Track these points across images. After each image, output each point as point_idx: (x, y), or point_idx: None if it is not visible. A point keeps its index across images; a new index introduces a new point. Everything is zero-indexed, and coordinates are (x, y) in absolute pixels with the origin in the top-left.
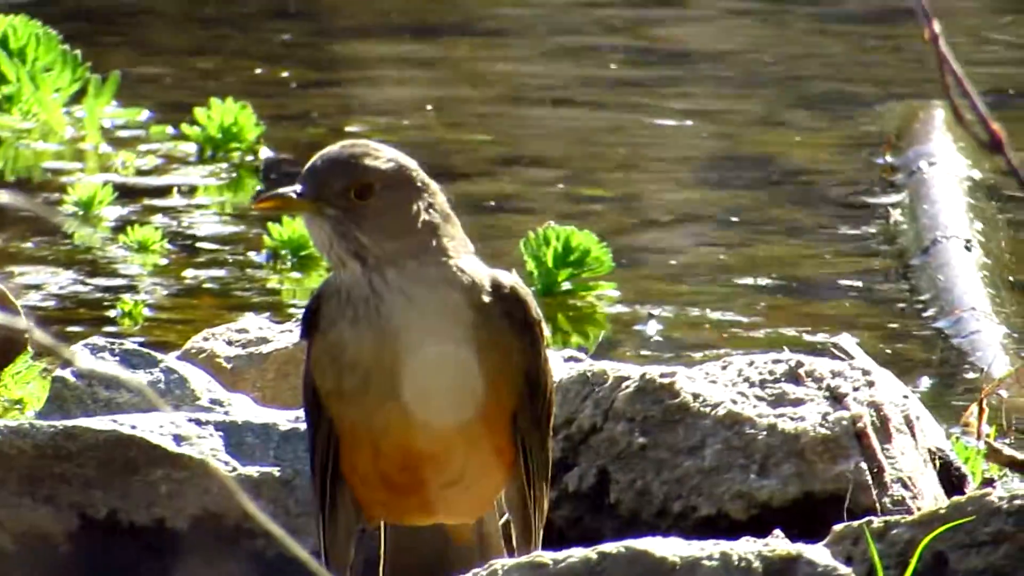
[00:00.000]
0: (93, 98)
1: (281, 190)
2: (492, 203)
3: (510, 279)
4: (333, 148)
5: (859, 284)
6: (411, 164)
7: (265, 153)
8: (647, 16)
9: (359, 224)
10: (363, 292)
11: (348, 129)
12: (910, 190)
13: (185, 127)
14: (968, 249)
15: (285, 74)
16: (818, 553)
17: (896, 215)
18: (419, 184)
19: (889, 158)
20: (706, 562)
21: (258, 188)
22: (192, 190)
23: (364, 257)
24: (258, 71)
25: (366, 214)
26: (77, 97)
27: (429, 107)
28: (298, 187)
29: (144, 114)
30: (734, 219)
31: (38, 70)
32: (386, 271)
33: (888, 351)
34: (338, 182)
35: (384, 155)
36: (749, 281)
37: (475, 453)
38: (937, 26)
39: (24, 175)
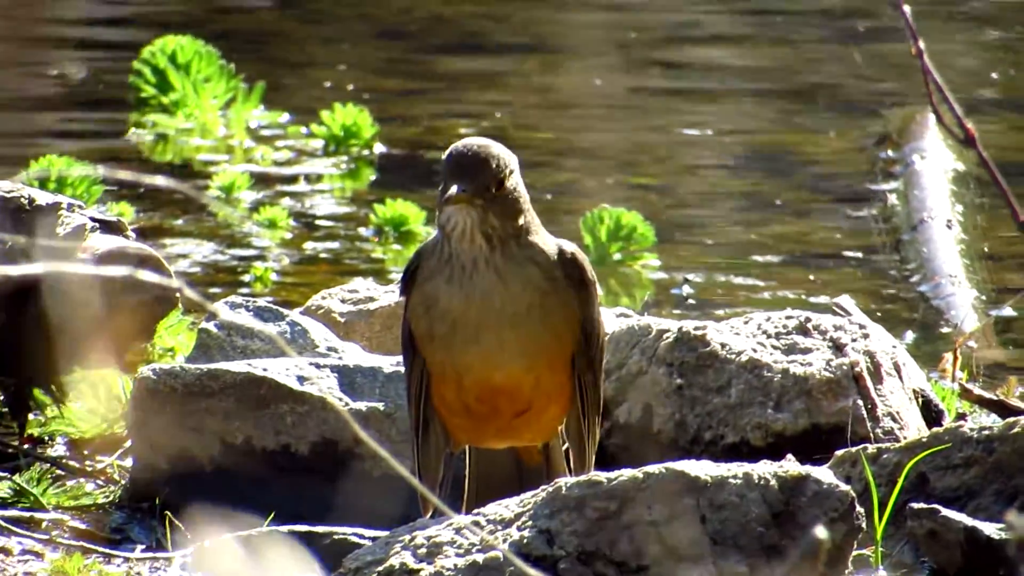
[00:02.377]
0: (241, 104)
1: (452, 191)
2: (556, 188)
3: (571, 247)
4: (470, 148)
5: (859, 256)
6: (514, 157)
7: (379, 148)
8: (681, 35)
9: (494, 211)
10: (464, 261)
11: (438, 126)
12: (904, 179)
13: (314, 127)
14: (949, 227)
15: (388, 84)
16: (823, 473)
17: (892, 199)
18: (519, 174)
19: (890, 153)
20: (732, 480)
21: (373, 177)
22: (318, 178)
23: (491, 236)
24: (367, 82)
25: (499, 202)
26: (229, 103)
27: (498, 113)
28: (456, 187)
29: (284, 116)
30: (755, 202)
31: (199, 80)
32: (502, 248)
33: (880, 310)
34: (485, 178)
35: (505, 152)
36: (766, 253)
37: (540, 389)
38: (922, 43)
39: (180, 165)
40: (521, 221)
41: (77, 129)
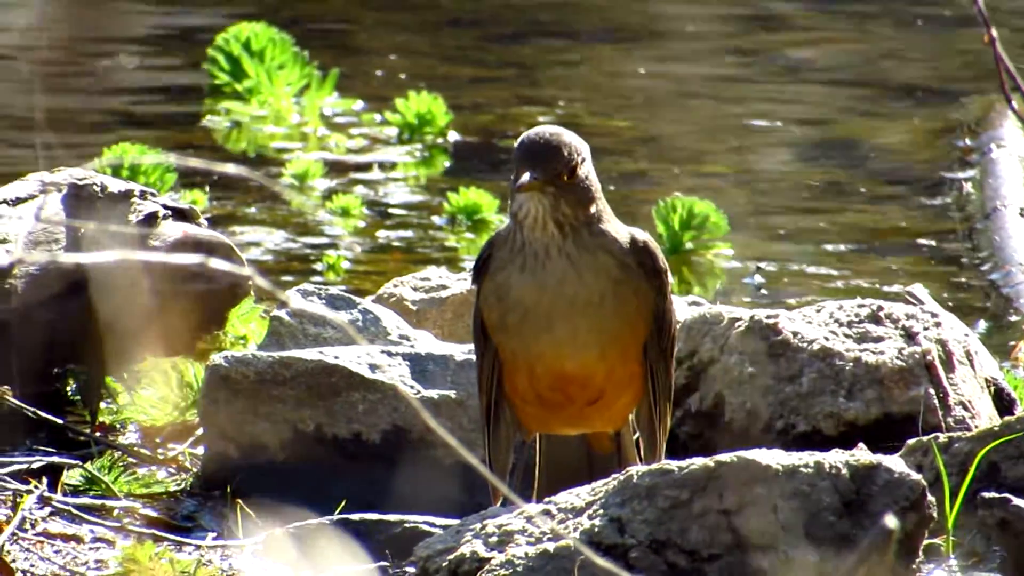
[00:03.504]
0: (315, 91)
1: (524, 179)
2: (629, 177)
3: (643, 236)
4: (542, 135)
5: (932, 244)
6: (586, 145)
7: (453, 136)
8: (755, 25)
9: (566, 199)
10: (536, 249)
11: (511, 114)
12: (980, 167)
13: (388, 114)
14: (1022, 215)
15: (460, 72)
16: (894, 462)
17: (968, 188)
18: (590, 162)
19: (967, 141)
20: (803, 469)
21: (447, 165)
22: (392, 166)
23: (563, 224)
24: (439, 70)
25: (571, 190)
26: (303, 90)
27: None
28: (528, 174)
29: (358, 104)
30: (828, 191)
31: (273, 68)
32: (574, 236)
33: (952, 298)
34: (556, 166)
35: (576, 139)
36: (839, 242)
37: (612, 377)
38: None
39: (253, 154)
40: (593, 209)
41: (152, 117)
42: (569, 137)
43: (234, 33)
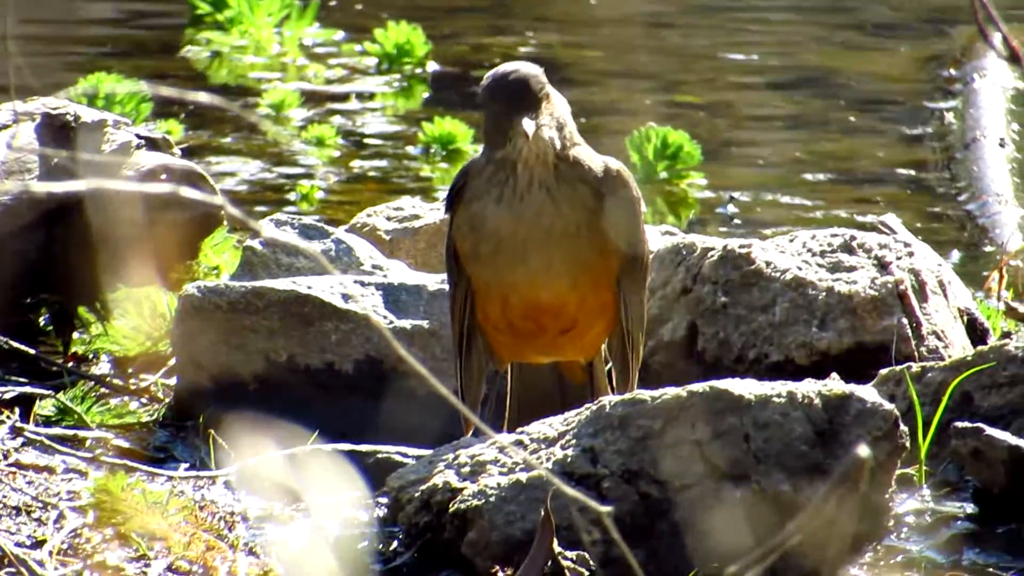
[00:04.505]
0: (295, 21)
1: (528, 125)
2: (603, 107)
3: (616, 164)
4: (508, 75)
5: (910, 174)
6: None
7: (432, 67)
8: None
9: (552, 127)
10: (523, 185)
11: (485, 44)
12: (962, 98)
13: (367, 45)
14: (1002, 146)
15: (435, 2)
16: (867, 392)
17: (949, 118)
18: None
19: (952, 72)
20: (776, 399)
21: (425, 95)
22: (370, 96)
23: (558, 154)
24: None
25: (552, 117)
26: (284, 20)
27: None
28: (526, 119)
29: (339, 34)
30: (803, 122)
31: None
32: (555, 168)
33: (927, 229)
34: (532, 100)
35: (531, 68)
36: (814, 172)
37: (585, 306)
38: None
39: (233, 83)
40: (567, 128)
41: (131, 46)
42: (526, 68)
43: None
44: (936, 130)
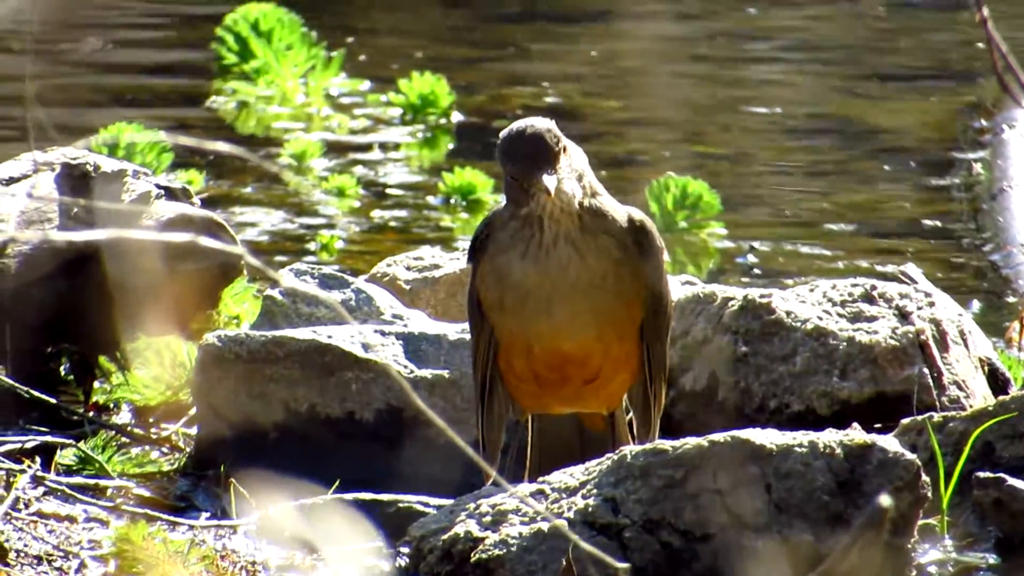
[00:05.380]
0: (320, 71)
1: (548, 183)
2: (622, 157)
3: (639, 215)
4: (524, 131)
5: (936, 225)
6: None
7: (457, 117)
8: (749, 3)
9: (571, 180)
10: (547, 239)
11: (504, 95)
12: (991, 148)
13: (392, 95)
14: None
15: (454, 52)
16: (888, 442)
17: (977, 169)
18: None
19: (983, 122)
20: (797, 449)
21: (450, 145)
22: (394, 147)
23: (581, 204)
24: (434, 50)
25: (570, 170)
26: (310, 71)
27: (566, 81)
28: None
29: (365, 84)
30: (825, 171)
31: (280, 49)
32: (580, 219)
33: (949, 279)
34: (552, 155)
35: (545, 122)
36: (836, 222)
37: (609, 356)
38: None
39: (254, 133)
40: (586, 178)
41: (157, 96)
42: (540, 123)
43: (243, 14)
44: (964, 181)
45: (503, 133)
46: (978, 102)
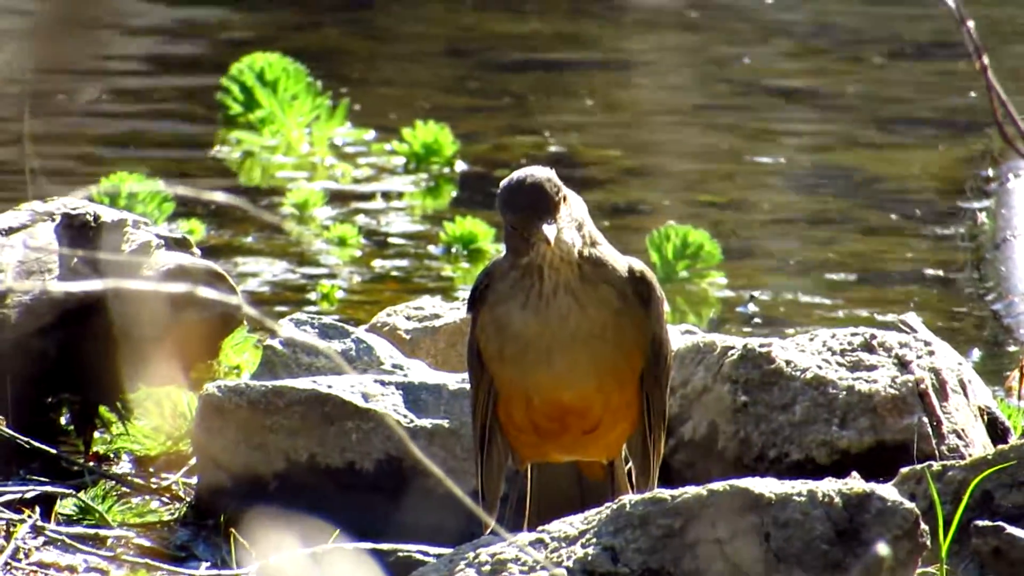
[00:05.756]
0: (324, 121)
1: (548, 232)
2: (623, 206)
3: (639, 265)
4: (524, 181)
5: (938, 274)
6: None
7: (460, 166)
8: (749, 53)
9: (571, 230)
10: (548, 290)
11: (506, 144)
12: (996, 197)
13: (395, 144)
14: None
15: (457, 102)
16: (888, 491)
17: (982, 218)
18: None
19: (989, 172)
20: (796, 497)
21: (453, 194)
22: (398, 195)
23: (581, 254)
24: (436, 99)
25: (570, 219)
26: (315, 120)
27: (568, 130)
28: (545, 225)
29: (369, 134)
30: (826, 221)
31: (286, 99)
32: (579, 270)
33: (949, 328)
34: (552, 205)
35: (543, 171)
36: (837, 271)
37: (609, 406)
38: (986, 59)
39: (262, 183)
40: (586, 227)
41: (159, 146)
42: (540, 172)
43: (248, 63)
44: (968, 230)
45: (503, 183)
46: (985, 151)
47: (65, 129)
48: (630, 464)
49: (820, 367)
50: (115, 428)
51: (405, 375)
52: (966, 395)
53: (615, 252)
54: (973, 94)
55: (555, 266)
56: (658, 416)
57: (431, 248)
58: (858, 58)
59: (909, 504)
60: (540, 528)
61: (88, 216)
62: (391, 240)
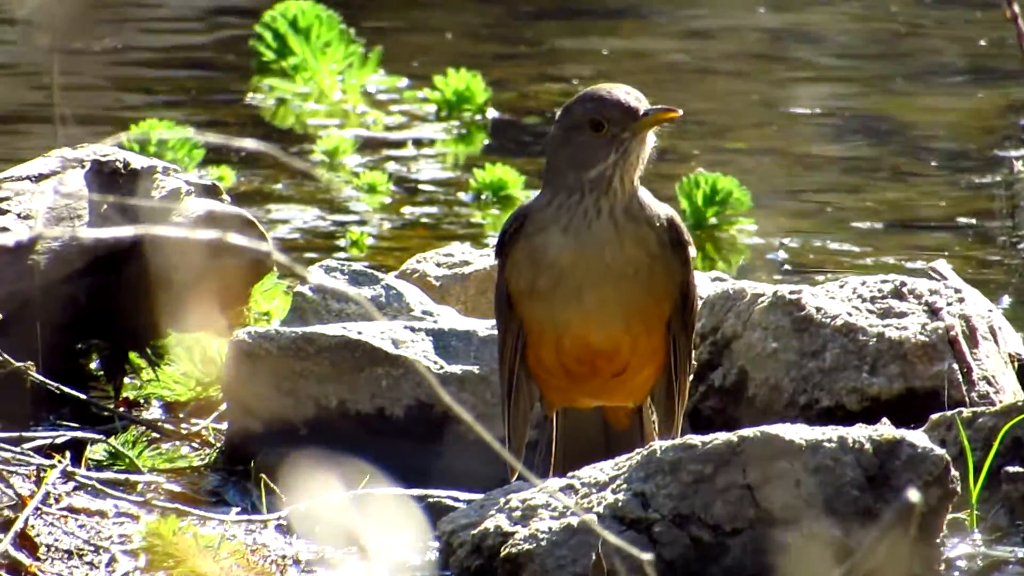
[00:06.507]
0: (357, 68)
1: (655, 106)
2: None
3: (669, 211)
4: (622, 87)
5: (970, 221)
6: None
7: (492, 114)
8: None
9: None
10: (586, 209)
11: (534, 91)
12: None
13: (427, 92)
14: None
15: (486, 49)
16: (918, 437)
17: (1018, 166)
18: None
19: None
20: (826, 444)
21: (485, 142)
22: (429, 143)
23: (636, 182)
24: (466, 47)
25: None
26: (349, 68)
27: (597, 77)
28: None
29: (402, 81)
30: (856, 168)
31: (318, 46)
32: (627, 202)
33: (980, 275)
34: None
35: None
36: (866, 219)
37: (638, 350)
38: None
39: (296, 130)
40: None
41: (195, 93)
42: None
43: (281, 10)
44: (1005, 179)
45: (586, 91)
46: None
47: (95, 78)
48: (655, 415)
49: (850, 314)
50: (145, 374)
51: (435, 321)
52: (996, 342)
53: (653, 198)
54: (1011, 41)
55: (627, 174)
56: (684, 362)
57: (461, 195)
58: (889, 7)
59: (939, 450)
60: (570, 474)
61: (118, 163)
62: (421, 187)
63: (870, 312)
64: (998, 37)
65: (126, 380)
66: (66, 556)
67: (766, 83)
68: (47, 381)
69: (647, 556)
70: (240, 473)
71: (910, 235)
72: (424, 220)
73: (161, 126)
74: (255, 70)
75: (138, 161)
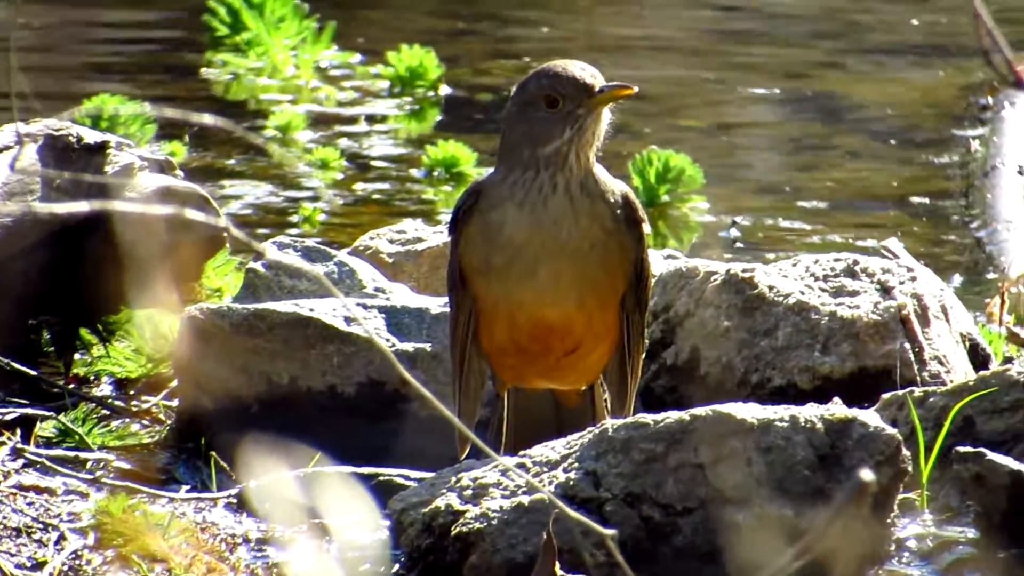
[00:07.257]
0: (310, 44)
1: (611, 83)
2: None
3: (624, 187)
4: (574, 63)
5: (923, 201)
6: None
7: (445, 90)
8: None
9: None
10: (542, 184)
11: (486, 68)
12: (991, 126)
13: (381, 67)
14: (1020, 173)
15: (440, 25)
16: (869, 416)
17: (975, 146)
18: None
19: (989, 99)
20: (778, 423)
21: (437, 118)
22: (381, 119)
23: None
24: (419, 23)
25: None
26: (302, 43)
27: (550, 54)
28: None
29: (355, 57)
30: (808, 147)
31: (272, 21)
32: (583, 177)
33: (932, 254)
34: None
35: None
36: (819, 198)
37: (591, 328)
38: None
39: (245, 105)
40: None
41: (146, 68)
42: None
43: None
44: (961, 158)
45: (543, 66)
46: (983, 80)
47: (50, 53)
48: (607, 393)
49: (803, 292)
50: (96, 350)
51: (387, 298)
52: (948, 321)
53: (608, 175)
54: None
55: (582, 151)
56: (637, 340)
57: (413, 172)
58: None
59: (891, 430)
60: (522, 452)
61: (71, 138)
62: (373, 163)
63: (822, 291)
64: (955, 17)
65: (77, 356)
66: (14, 534)
67: (720, 61)
68: None
69: (610, 532)
70: (191, 451)
71: (863, 214)
72: (376, 196)
73: (114, 101)
74: (208, 45)
75: (91, 136)
